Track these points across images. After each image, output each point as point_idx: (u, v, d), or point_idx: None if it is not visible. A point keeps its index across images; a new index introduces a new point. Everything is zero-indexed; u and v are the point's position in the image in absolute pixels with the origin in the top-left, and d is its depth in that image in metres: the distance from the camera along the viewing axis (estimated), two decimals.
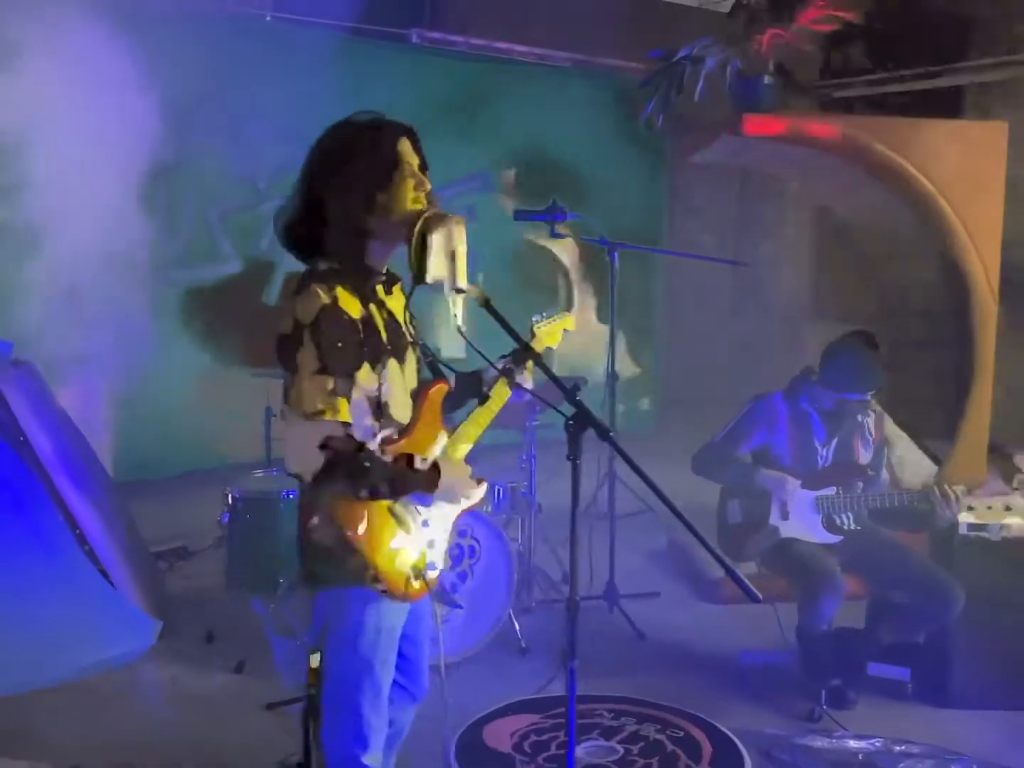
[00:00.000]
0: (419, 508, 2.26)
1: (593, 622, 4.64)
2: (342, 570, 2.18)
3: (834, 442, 3.83)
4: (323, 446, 2.08)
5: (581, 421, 2.08)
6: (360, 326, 2.16)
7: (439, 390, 2.37)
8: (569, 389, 2.12)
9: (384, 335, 2.24)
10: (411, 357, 2.35)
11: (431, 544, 2.29)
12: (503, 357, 2.43)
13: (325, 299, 2.12)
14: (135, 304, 5.57)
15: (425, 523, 2.28)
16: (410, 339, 2.34)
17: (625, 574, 5.02)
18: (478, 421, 2.39)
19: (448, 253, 2.13)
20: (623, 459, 2.09)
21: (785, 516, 3.77)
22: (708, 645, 4.37)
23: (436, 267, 2.14)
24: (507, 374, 2.35)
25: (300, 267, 2.29)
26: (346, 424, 2.11)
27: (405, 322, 2.36)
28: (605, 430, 2.08)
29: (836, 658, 3.73)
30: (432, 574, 2.29)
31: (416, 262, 2.15)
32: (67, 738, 3.47)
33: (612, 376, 4.68)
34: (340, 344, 2.12)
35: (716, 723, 3.59)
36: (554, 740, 3.46)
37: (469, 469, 2.34)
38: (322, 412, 2.08)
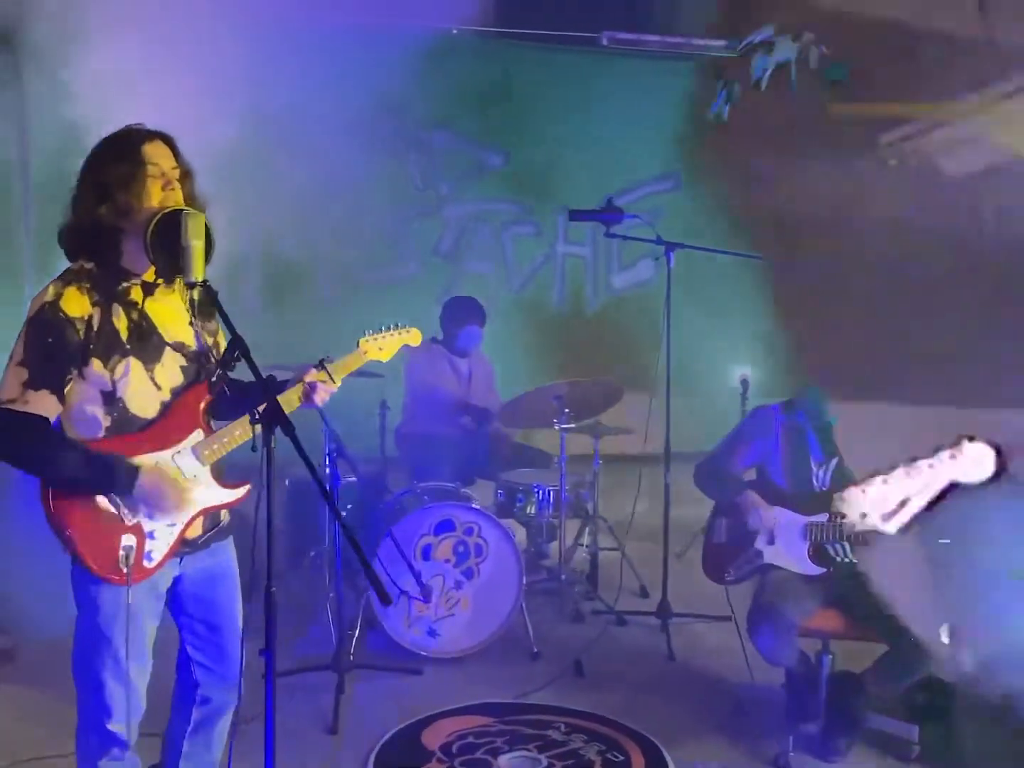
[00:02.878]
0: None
1: (635, 638, 4.49)
2: (69, 551, 2.31)
3: (833, 462, 3.44)
4: (19, 435, 2.22)
5: (270, 416, 2.10)
6: (80, 325, 2.24)
7: (196, 392, 2.41)
8: (268, 386, 2.17)
9: (124, 335, 2.30)
10: (169, 358, 2.38)
11: (151, 535, 2.33)
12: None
13: (49, 297, 2.24)
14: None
15: (149, 515, 2.32)
16: (168, 341, 2.38)
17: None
18: (245, 424, 2.37)
19: (180, 248, 2.22)
20: (300, 455, 2.08)
21: (771, 541, 3.45)
22: (731, 674, 4.06)
23: (169, 261, 2.25)
24: (222, 370, 2.36)
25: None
26: (39, 417, 2.21)
27: (189, 324, 2.44)
28: (290, 426, 2.08)
29: (823, 702, 3.37)
30: (149, 564, 2.33)
31: (151, 256, 2.28)
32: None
33: (668, 379, 4.44)
34: (50, 340, 2.21)
35: (666, 752, 3.37)
36: (487, 745, 3.43)
37: (182, 480, 2.35)
38: (12, 400, 2.20)
